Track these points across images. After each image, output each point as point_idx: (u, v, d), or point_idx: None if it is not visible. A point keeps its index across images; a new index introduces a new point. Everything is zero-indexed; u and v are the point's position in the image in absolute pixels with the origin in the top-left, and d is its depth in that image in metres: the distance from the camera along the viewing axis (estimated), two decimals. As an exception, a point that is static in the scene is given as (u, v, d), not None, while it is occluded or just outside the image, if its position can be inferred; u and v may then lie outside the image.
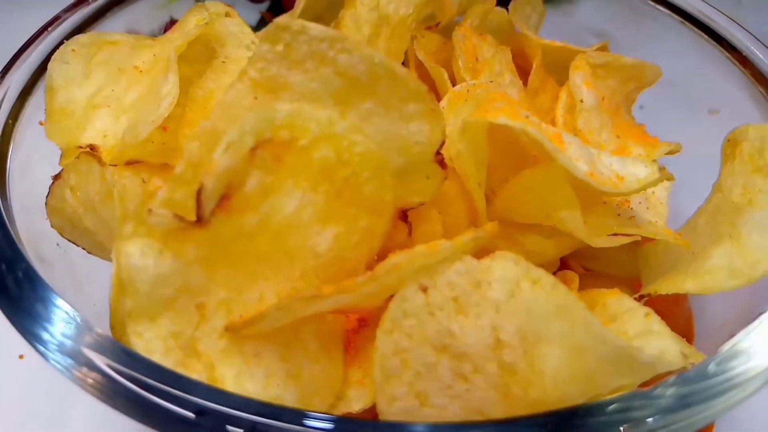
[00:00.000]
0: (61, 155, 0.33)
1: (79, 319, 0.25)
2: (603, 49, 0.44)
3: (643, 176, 0.30)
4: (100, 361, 0.23)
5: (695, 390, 0.23)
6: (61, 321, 0.25)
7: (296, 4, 0.39)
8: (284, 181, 0.25)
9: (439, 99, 0.30)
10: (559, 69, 0.40)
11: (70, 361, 0.24)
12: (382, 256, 0.26)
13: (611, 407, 0.22)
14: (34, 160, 0.34)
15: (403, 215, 0.30)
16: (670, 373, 0.23)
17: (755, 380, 0.24)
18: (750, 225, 0.29)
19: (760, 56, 0.39)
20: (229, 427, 0.21)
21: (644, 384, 0.23)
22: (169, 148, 0.32)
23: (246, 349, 0.25)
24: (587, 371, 0.22)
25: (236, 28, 0.35)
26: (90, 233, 0.32)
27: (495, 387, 0.24)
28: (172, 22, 0.44)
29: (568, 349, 0.23)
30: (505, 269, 0.24)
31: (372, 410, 0.26)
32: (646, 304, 0.28)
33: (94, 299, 0.30)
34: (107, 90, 0.33)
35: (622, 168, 0.30)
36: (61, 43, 0.35)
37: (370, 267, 0.25)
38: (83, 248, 0.34)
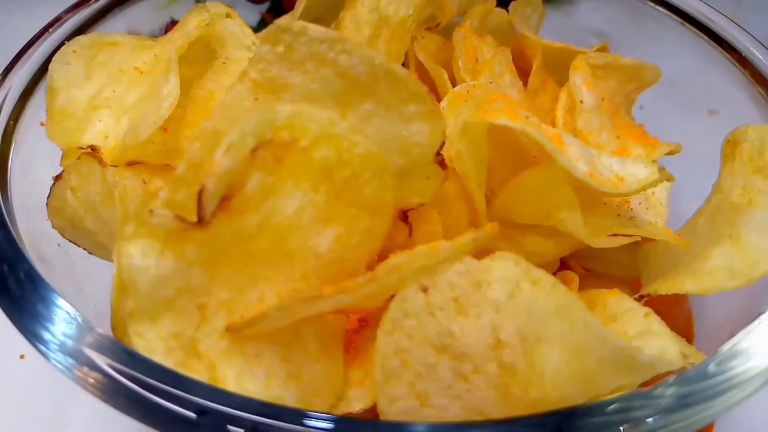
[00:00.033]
0: (62, 156, 0.33)
1: (80, 319, 0.25)
2: (603, 49, 0.44)
3: (643, 177, 0.30)
4: (101, 360, 0.23)
5: (695, 390, 0.23)
6: (62, 321, 0.25)
7: (296, 5, 0.39)
8: (285, 182, 0.25)
9: (439, 100, 0.30)
10: (559, 70, 0.40)
11: (71, 360, 0.24)
12: (382, 256, 0.27)
13: (611, 407, 0.22)
14: (35, 160, 0.34)
15: (404, 216, 0.30)
16: (670, 373, 0.23)
17: (755, 380, 0.24)
18: (750, 225, 0.29)
19: (760, 57, 0.39)
20: (230, 427, 0.21)
21: (644, 384, 0.23)
22: (170, 149, 0.32)
23: (247, 350, 0.25)
24: (587, 371, 0.23)
25: (237, 29, 0.35)
26: (91, 234, 0.32)
27: (495, 387, 0.24)
28: (173, 23, 0.44)
29: (568, 349, 0.23)
30: (505, 270, 0.24)
31: (373, 410, 0.26)
32: (646, 304, 0.28)
33: (95, 299, 0.30)
34: (108, 91, 0.33)
35: (622, 169, 0.30)
36: (62, 44, 0.35)
37: (370, 267, 0.25)
38: (84, 249, 0.34)
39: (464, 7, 0.41)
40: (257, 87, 0.26)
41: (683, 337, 0.27)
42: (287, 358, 0.26)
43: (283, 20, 0.25)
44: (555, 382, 0.23)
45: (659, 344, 0.26)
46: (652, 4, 0.45)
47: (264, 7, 0.59)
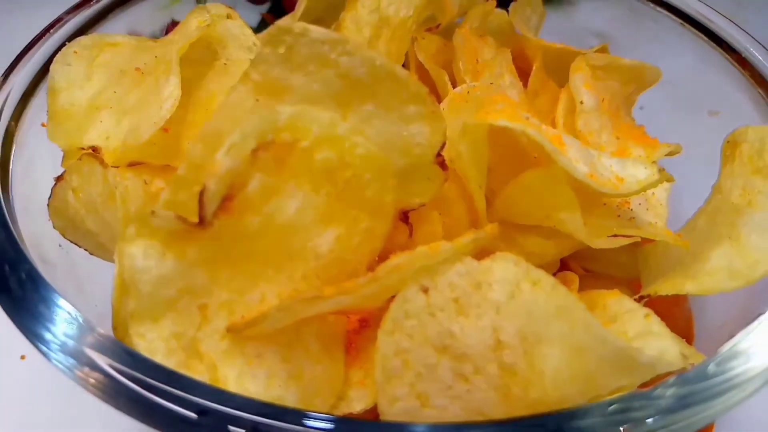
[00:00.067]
0: (63, 157, 0.33)
1: (81, 320, 0.25)
2: (603, 50, 0.44)
3: (642, 177, 0.30)
4: (102, 361, 0.23)
5: (695, 390, 0.23)
6: (63, 321, 0.25)
7: (297, 6, 0.39)
8: (286, 183, 0.25)
9: (439, 101, 0.31)
10: (559, 70, 0.40)
11: (72, 361, 0.24)
12: (383, 257, 0.27)
13: (611, 407, 0.22)
14: (36, 161, 0.34)
15: (404, 216, 0.30)
16: (669, 373, 0.23)
17: (754, 381, 0.24)
18: (749, 226, 0.29)
19: (760, 58, 0.39)
20: (231, 428, 0.21)
21: (644, 384, 0.23)
22: (171, 149, 0.32)
23: (248, 350, 0.25)
24: (587, 372, 0.23)
25: (238, 30, 0.35)
26: (92, 234, 0.32)
27: (495, 387, 0.24)
28: (174, 24, 0.44)
29: (568, 349, 0.23)
30: (505, 270, 0.24)
31: (373, 411, 0.26)
32: (646, 304, 0.28)
33: (96, 300, 0.30)
34: (109, 92, 0.33)
35: (622, 169, 0.30)
36: (63, 45, 0.35)
37: (371, 268, 0.25)
38: (85, 249, 0.34)
39: (465, 8, 0.42)
40: (258, 88, 0.26)
41: (683, 337, 0.27)
42: (288, 359, 0.26)
43: (284, 22, 0.26)
44: (555, 382, 0.23)
45: (659, 345, 0.26)
46: (652, 4, 0.45)
47: (264, 7, 0.59)
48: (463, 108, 0.31)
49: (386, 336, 0.24)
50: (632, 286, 0.35)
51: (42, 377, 0.42)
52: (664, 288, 0.30)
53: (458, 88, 0.34)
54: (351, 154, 0.26)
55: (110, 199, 0.30)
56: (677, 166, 0.35)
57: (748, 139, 0.31)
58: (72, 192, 0.32)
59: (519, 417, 0.22)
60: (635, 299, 0.29)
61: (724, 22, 0.42)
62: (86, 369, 0.23)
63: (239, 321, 0.25)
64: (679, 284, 0.29)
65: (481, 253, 0.25)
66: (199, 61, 0.34)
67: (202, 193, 0.23)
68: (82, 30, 0.39)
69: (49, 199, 0.32)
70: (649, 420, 0.22)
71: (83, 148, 0.32)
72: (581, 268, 0.38)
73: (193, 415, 0.22)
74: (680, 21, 0.44)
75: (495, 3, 0.42)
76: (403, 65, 0.39)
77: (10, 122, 0.34)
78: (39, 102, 0.35)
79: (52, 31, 0.38)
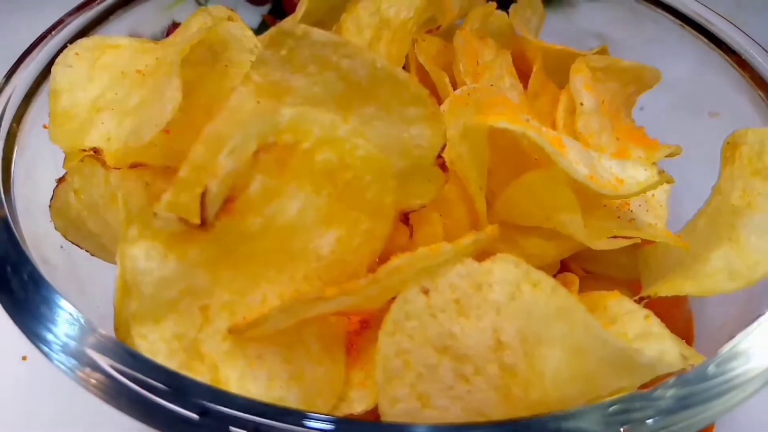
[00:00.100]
0: (64, 158, 0.33)
1: (82, 321, 0.25)
2: (603, 52, 0.44)
3: (642, 179, 0.30)
4: (104, 361, 0.23)
5: (695, 391, 0.23)
6: (64, 322, 0.25)
7: (298, 8, 0.39)
8: (287, 184, 0.25)
9: (440, 102, 0.31)
10: (559, 72, 0.40)
11: (73, 361, 0.24)
12: (383, 258, 0.27)
13: (611, 408, 0.22)
14: (38, 162, 0.34)
15: (405, 218, 0.30)
16: (669, 374, 0.23)
17: (755, 381, 0.24)
18: (749, 228, 0.29)
19: (760, 60, 0.39)
20: (232, 428, 0.21)
21: (644, 385, 0.23)
22: (172, 151, 0.32)
23: (249, 351, 0.25)
24: (587, 373, 0.23)
25: (239, 32, 0.35)
26: (93, 236, 0.32)
27: (496, 388, 0.24)
28: (175, 26, 0.44)
29: (568, 350, 0.23)
30: (505, 272, 0.24)
31: (374, 412, 0.26)
32: (646, 306, 0.28)
33: (97, 301, 0.30)
34: (111, 93, 0.33)
35: (622, 171, 0.30)
36: (64, 46, 0.35)
37: (371, 269, 0.25)
38: (87, 250, 0.34)
39: (465, 10, 0.42)
40: (260, 90, 0.27)
41: (683, 338, 0.27)
42: (289, 360, 0.26)
43: (285, 24, 0.26)
44: (555, 383, 0.23)
45: (659, 346, 0.26)
46: (652, 6, 0.45)
47: (265, 9, 0.59)
48: (463, 110, 0.32)
49: (387, 337, 0.24)
50: (632, 288, 0.35)
51: (43, 378, 0.42)
52: (664, 289, 0.30)
53: (458, 90, 0.34)
54: (352, 155, 0.26)
55: (112, 201, 0.30)
56: (677, 167, 0.35)
57: (748, 141, 0.31)
58: (74, 193, 0.32)
59: (519, 418, 0.22)
60: (635, 300, 0.29)
61: (724, 23, 0.42)
62: (88, 370, 0.23)
63: (241, 322, 0.25)
64: (679, 285, 0.29)
65: (482, 254, 0.25)
66: (201, 63, 0.34)
67: (203, 195, 0.23)
68: (84, 32, 0.39)
69: (50, 200, 0.32)
70: (649, 421, 0.22)
71: (85, 150, 0.32)
72: (581, 269, 0.38)
73: (194, 415, 0.22)
74: (680, 23, 0.44)
75: (495, 4, 0.42)
76: (404, 67, 0.39)
77: (12, 124, 0.34)
78: (41, 104, 0.35)
79: (53, 32, 0.38)
